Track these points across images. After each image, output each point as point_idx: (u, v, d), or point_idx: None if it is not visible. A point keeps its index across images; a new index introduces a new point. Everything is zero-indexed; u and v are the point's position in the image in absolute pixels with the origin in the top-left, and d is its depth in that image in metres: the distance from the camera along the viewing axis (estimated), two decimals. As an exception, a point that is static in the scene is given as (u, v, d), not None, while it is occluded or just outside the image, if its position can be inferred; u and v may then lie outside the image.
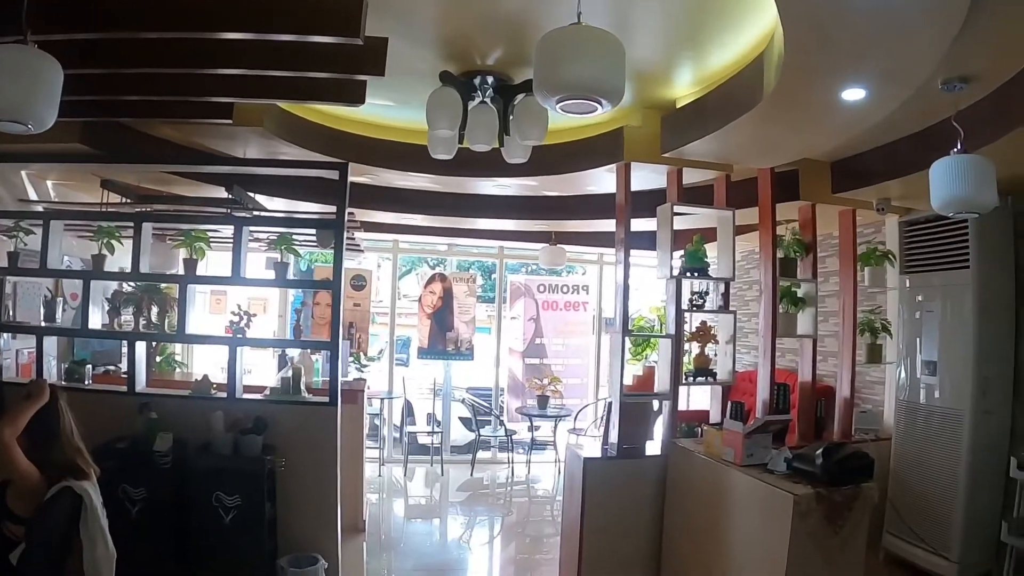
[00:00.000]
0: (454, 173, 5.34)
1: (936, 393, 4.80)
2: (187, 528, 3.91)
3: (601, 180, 5.40)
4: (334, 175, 4.45)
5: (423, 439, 8.48)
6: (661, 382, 4.67)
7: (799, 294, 5.09)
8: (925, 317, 4.92)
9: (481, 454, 8.44)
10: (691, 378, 4.74)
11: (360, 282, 8.50)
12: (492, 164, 4.84)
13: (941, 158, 3.34)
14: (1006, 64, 3.25)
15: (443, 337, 8.57)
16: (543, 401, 8.38)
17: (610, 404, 4.70)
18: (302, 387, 4.50)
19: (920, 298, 5.04)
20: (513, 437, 8.48)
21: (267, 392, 4.54)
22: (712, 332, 4.83)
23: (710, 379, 4.76)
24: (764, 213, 4.90)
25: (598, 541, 4.37)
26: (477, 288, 9.02)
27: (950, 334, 4.73)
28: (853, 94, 3.27)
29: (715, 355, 4.86)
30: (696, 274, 4.71)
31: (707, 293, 4.93)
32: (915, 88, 3.19)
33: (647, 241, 5.05)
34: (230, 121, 3.96)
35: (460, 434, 8.96)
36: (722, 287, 4.89)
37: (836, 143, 4.32)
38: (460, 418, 9.04)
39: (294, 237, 5.11)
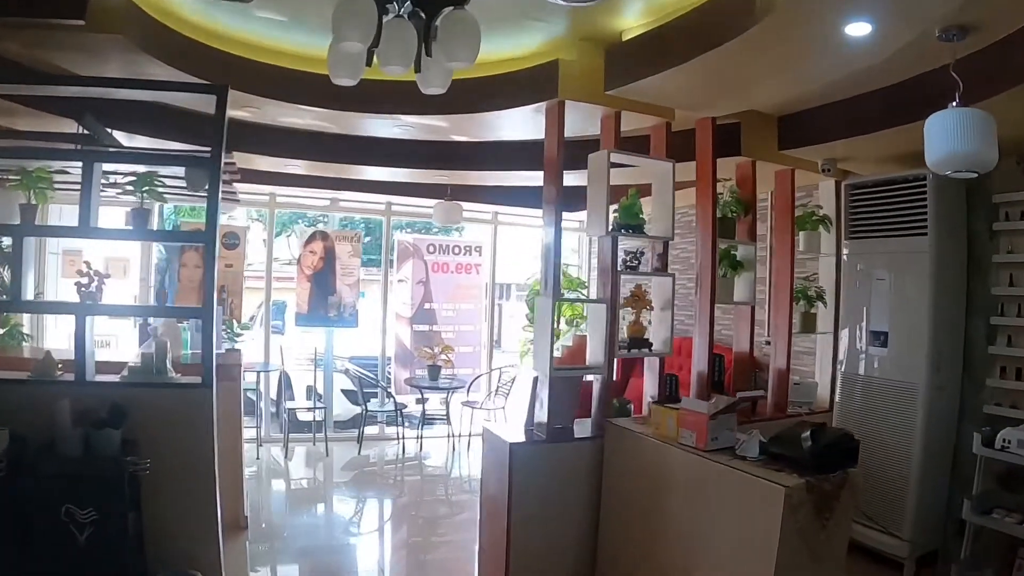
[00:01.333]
0: (352, 108, 4.59)
1: (886, 365, 4.49)
2: (32, 551, 2.99)
3: (518, 124, 4.77)
4: (210, 103, 3.56)
5: (304, 415, 7.63)
6: (594, 354, 4.13)
7: (737, 257, 4.68)
8: (875, 286, 4.60)
9: (368, 430, 7.71)
10: (625, 349, 4.22)
11: (233, 240, 7.49)
12: (399, 98, 4.20)
13: (938, 112, 2.99)
14: (1009, 16, 2.90)
15: (324, 302, 7.73)
16: (434, 371, 7.71)
17: (536, 380, 4.14)
18: (168, 364, 3.65)
19: (861, 266, 4.73)
20: (403, 411, 7.75)
21: (125, 372, 3.66)
22: (647, 297, 4.33)
23: (646, 349, 4.27)
24: (703, 167, 4.44)
25: (528, 535, 3.80)
26: (362, 248, 8.16)
27: (902, 304, 4.43)
28: (858, 28, 2.84)
29: (649, 323, 4.37)
30: (631, 231, 4.17)
31: (642, 254, 4.42)
32: (922, 29, 2.83)
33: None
34: (82, 22, 3.04)
35: (344, 408, 8.22)
36: (659, 247, 4.38)
37: (812, 87, 3.88)
38: (343, 391, 8.28)
39: (158, 181, 4.14)
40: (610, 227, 4.06)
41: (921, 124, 3.09)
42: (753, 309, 4.73)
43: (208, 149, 3.57)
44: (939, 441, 4.30)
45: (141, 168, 3.94)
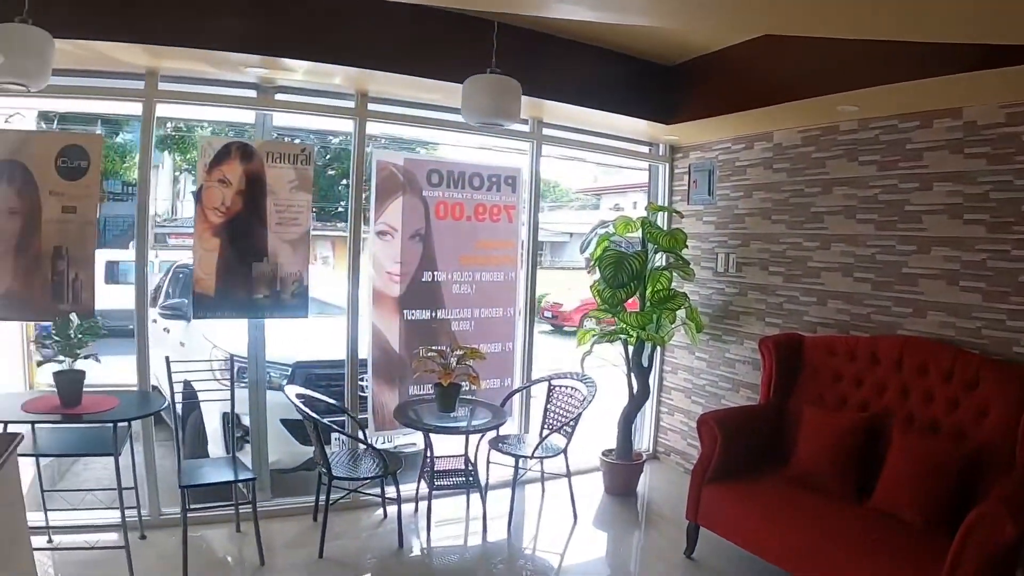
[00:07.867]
0: None
1: None
2: None
3: None
4: None
5: (212, 471, 4.04)
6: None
7: None
8: None
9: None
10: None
11: (75, 162, 3.99)
12: None
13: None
14: None
15: (246, 271, 4.28)
16: (448, 396, 4.37)
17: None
18: None
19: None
20: (397, 470, 4.18)
21: None
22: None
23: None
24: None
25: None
26: (313, 174, 4.49)
27: None
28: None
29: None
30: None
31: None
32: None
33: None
34: None
35: (285, 452, 4.77)
36: None
37: None
38: (283, 421, 4.77)
39: None
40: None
41: None
42: None
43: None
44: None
45: None
